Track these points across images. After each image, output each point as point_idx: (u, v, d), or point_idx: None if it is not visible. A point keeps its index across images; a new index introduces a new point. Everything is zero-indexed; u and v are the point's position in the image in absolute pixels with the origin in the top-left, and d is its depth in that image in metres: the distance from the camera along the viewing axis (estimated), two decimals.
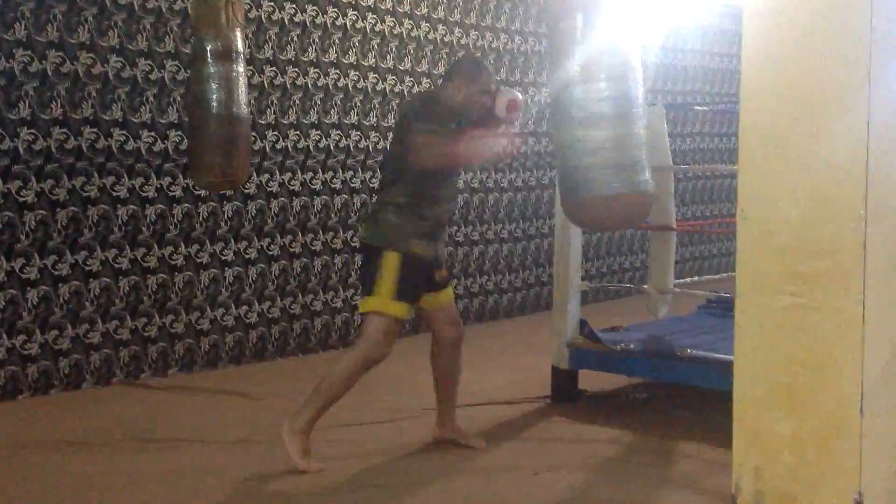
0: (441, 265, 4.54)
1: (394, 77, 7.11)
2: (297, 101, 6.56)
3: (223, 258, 6.23)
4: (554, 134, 4.13)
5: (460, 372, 4.68)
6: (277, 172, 6.48)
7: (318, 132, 6.69)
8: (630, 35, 3.97)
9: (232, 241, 6.26)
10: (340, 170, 6.83)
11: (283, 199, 6.51)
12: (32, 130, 5.38)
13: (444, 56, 7.45)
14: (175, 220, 5.98)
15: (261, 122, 6.35)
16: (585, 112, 3.83)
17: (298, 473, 4.25)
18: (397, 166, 4.37)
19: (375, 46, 6.99)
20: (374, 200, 4.74)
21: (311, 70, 6.63)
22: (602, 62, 3.84)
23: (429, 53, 7.34)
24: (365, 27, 6.92)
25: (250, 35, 6.20)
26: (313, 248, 6.68)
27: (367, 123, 6.98)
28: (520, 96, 4.44)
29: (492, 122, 4.42)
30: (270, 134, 6.44)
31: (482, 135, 4.38)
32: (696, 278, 8.25)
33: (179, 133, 5.93)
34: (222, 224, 6.21)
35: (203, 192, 6.03)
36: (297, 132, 6.58)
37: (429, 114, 4.27)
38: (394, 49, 7.11)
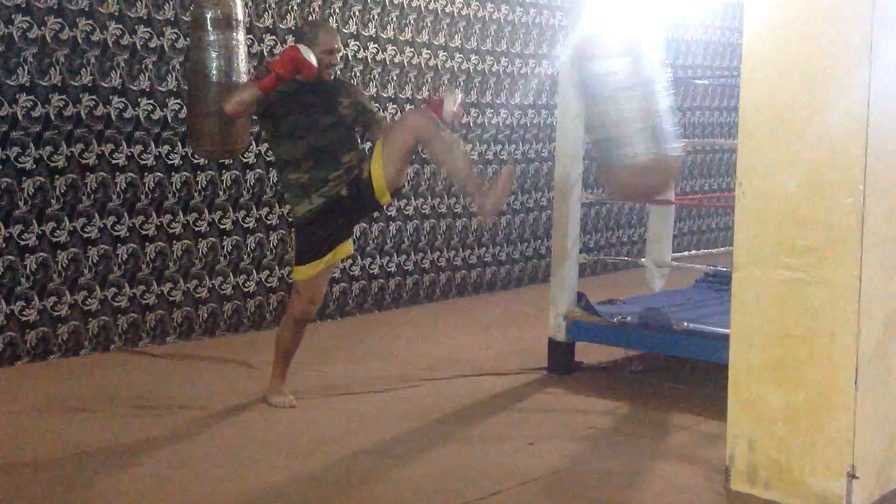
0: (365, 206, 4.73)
1: (394, 48, 7.09)
2: None
3: (221, 227, 6.23)
4: (585, 109, 4.24)
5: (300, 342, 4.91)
6: None
7: None
8: (645, 11, 4.07)
9: (230, 209, 6.26)
10: None
11: None
12: (31, 97, 5.37)
13: (443, 23, 7.42)
14: (174, 189, 5.98)
15: None
16: (608, 86, 3.91)
17: (292, 440, 4.28)
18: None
19: (376, 16, 6.95)
20: None
21: None
22: (622, 38, 3.94)
23: (429, 24, 7.31)
24: None
25: (250, 3, 6.17)
26: None
27: (368, 94, 6.95)
28: (459, 108, 4.72)
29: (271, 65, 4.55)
30: None
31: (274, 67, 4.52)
32: (694, 252, 8.26)
33: (178, 101, 5.92)
34: (221, 193, 6.21)
35: (202, 161, 6.02)
36: None
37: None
38: (394, 19, 7.08)
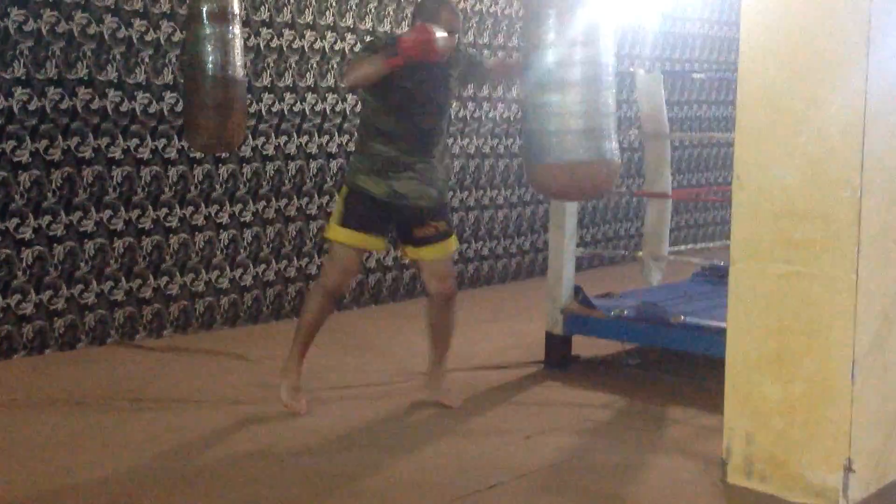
0: (426, 217, 4.53)
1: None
2: (294, 64, 6.52)
3: (218, 220, 6.22)
4: (523, 96, 4.10)
5: (448, 330, 4.70)
6: (273, 135, 6.46)
7: (315, 95, 6.67)
8: (606, 1, 3.93)
9: (227, 203, 6.25)
10: (336, 133, 6.81)
11: (278, 162, 6.49)
12: (27, 90, 5.36)
13: None
14: (170, 182, 5.97)
15: (256, 84, 6.32)
16: (555, 76, 3.80)
17: (289, 434, 4.28)
18: (360, 114, 4.63)
19: (373, 10, 6.94)
20: None
21: (308, 33, 6.59)
22: (576, 26, 3.80)
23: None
24: None
25: None
26: (308, 211, 6.67)
27: None
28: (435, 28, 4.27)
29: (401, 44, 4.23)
30: (266, 97, 6.41)
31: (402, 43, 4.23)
32: (691, 245, 8.26)
33: (174, 95, 5.91)
34: (217, 186, 6.20)
35: (198, 155, 6.01)
36: (293, 95, 6.56)
37: (370, 47, 4.43)
38: (391, 12, 7.07)
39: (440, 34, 4.21)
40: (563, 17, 3.78)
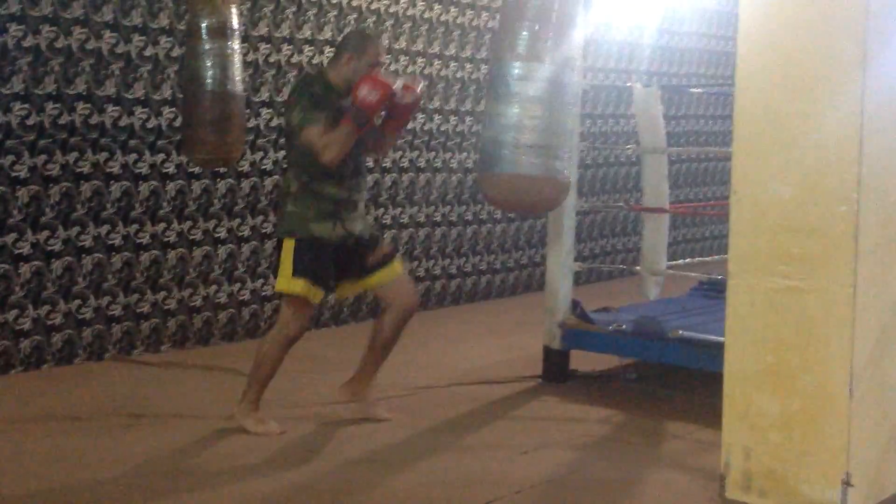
0: (371, 245, 4.57)
1: (387, 56, 7.09)
2: (292, 79, 6.53)
3: (216, 235, 6.22)
4: (485, 105, 4.14)
5: (394, 344, 4.68)
6: (271, 150, 6.47)
7: None
8: (578, 21, 3.97)
9: (225, 218, 6.26)
10: None
11: (276, 176, 6.50)
12: (26, 105, 5.36)
13: (440, 35, 7.43)
14: (168, 197, 5.98)
15: (255, 99, 6.34)
16: (518, 89, 3.84)
17: (286, 450, 4.27)
18: (287, 153, 4.59)
19: (371, 25, 6.96)
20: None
21: (307, 48, 6.61)
22: (546, 43, 3.84)
23: (424, 33, 7.32)
24: (360, 5, 6.89)
25: (245, 12, 6.17)
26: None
27: None
28: (388, 80, 4.37)
29: (365, 109, 4.28)
30: (265, 112, 6.42)
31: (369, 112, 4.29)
32: (688, 260, 8.27)
33: (173, 110, 5.92)
34: (215, 201, 6.21)
35: (196, 169, 6.02)
36: None
37: (312, 100, 4.34)
38: (389, 28, 7.09)
39: (386, 78, 4.30)
40: (535, 31, 3.82)
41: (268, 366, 4.49)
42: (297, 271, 4.39)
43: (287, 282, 4.42)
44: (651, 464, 4.26)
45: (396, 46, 7.14)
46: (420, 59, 7.30)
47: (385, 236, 4.78)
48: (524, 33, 3.87)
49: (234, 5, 5.19)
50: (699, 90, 9.60)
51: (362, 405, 4.71)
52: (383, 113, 4.47)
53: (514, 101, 3.84)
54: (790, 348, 3.54)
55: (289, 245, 4.43)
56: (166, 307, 6.00)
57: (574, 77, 3.92)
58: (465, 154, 7.68)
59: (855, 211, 3.39)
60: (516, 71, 3.84)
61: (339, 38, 4.66)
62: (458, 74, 7.59)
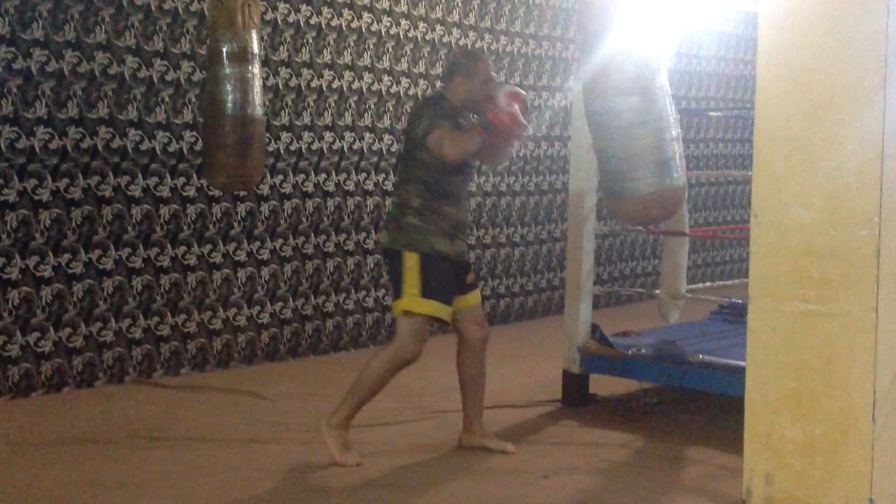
0: (469, 267, 4.62)
1: (408, 80, 7.13)
2: (312, 103, 6.58)
3: (236, 258, 6.25)
4: (593, 141, 4.30)
5: (485, 374, 4.67)
6: (291, 174, 6.50)
7: (332, 134, 6.71)
8: (658, 45, 4.13)
9: (245, 241, 6.28)
10: (354, 172, 6.85)
11: (296, 200, 6.53)
12: (49, 129, 5.42)
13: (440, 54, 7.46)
14: (189, 220, 6.01)
15: (275, 123, 6.37)
16: (620, 121, 4.02)
17: (306, 473, 4.26)
18: (407, 169, 4.46)
19: (390, 49, 7.00)
20: (390, 205, 4.74)
21: (326, 72, 6.65)
22: (633, 75, 4.03)
23: (443, 57, 7.35)
24: (380, 30, 6.94)
25: (266, 37, 6.22)
26: (326, 249, 6.70)
27: (381, 126, 7.00)
28: (521, 91, 4.47)
29: (497, 124, 4.33)
30: (285, 135, 6.46)
31: (493, 123, 4.30)
32: (708, 284, 8.23)
33: (194, 133, 5.96)
34: (235, 224, 6.24)
35: (217, 193, 6.05)
36: (311, 134, 6.60)
37: (439, 112, 4.35)
38: (408, 52, 7.13)
39: (518, 111, 4.32)
40: (622, 65, 4.06)
41: (373, 386, 4.37)
42: (428, 290, 4.30)
43: (415, 301, 4.31)
44: (672, 489, 4.23)
45: (416, 70, 7.17)
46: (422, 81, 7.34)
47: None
48: (613, 67, 4.06)
49: (254, 30, 5.23)
50: (718, 113, 9.59)
51: (486, 441, 4.67)
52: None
53: (620, 133, 4.04)
54: (812, 373, 3.51)
55: (412, 260, 4.33)
56: (186, 330, 6.02)
57: (668, 95, 4.15)
58: (483, 178, 7.69)
59: (876, 235, 3.37)
60: (616, 105, 4.03)
61: (447, 63, 4.75)
62: None
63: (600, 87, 4.07)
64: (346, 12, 6.73)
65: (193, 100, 5.97)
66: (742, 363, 3.83)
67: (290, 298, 6.52)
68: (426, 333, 4.38)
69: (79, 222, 5.53)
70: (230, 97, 5.13)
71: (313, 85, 6.58)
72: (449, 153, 4.25)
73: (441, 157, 4.27)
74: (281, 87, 6.41)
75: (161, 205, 5.88)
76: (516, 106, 4.33)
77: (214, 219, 6.13)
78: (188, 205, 6.00)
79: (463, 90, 4.43)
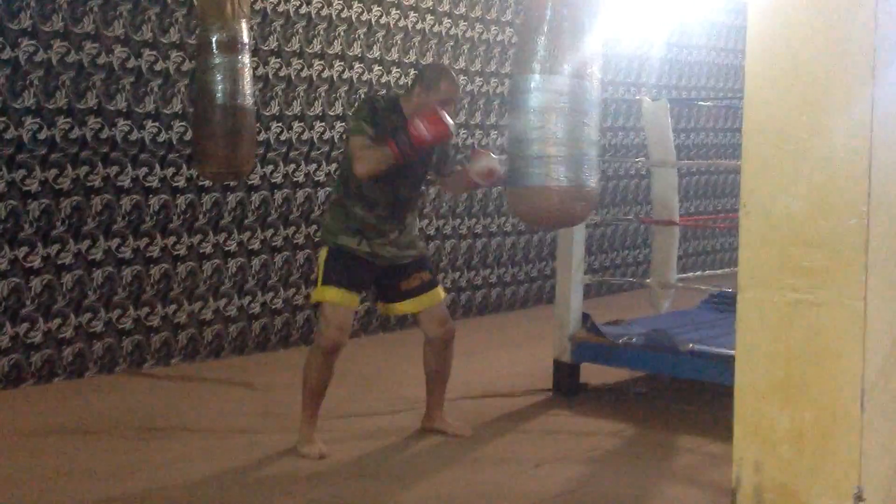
0: (408, 273, 4.55)
1: (398, 69, 7.12)
2: (302, 93, 6.56)
3: (226, 248, 6.24)
4: (509, 120, 4.12)
5: (447, 369, 4.72)
6: (281, 164, 6.49)
7: (323, 124, 6.70)
8: (597, 32, 3.97)
9: (235, 231, 6.28)
10: None
11: (286, 190, 6.52)
12: (37, 119, 5.40)
13: (449, 49, 7.45)
14: (178, 211, 6.00)
15: (265, 113, 6.36)
16: (543, 103, 3.84)
17: (297, 463, 4.27)
18: (340, 165, 4.47)
19: (380, 39, 6.99)
20: None
21: (316, 62, 6.63)
22: (566, 55, 3.84)
23: (433, 46, 7.34)
24: (370, 19, 6.92)
25: (255, 26, 6.20)
26: (316, 238, 6.69)
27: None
28: (497, 167, 4.30)
29: (414, 136, 4.21)
30: (275, 125, 6.45)
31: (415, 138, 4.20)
32: (698, 273, 8.25)
33: (183, 123, 5.94)
34: (225, 214, 6.23)
35: (207, 183, 6.04)
36: (302, 123, 6.59)
37: (370, 116, 4.31)
38: (398, 42, 7.11)
39: (447, 119, 4.21)
40: (555, 44, 3.82)
41: (311, 380, 4.43)
42: (327, 279, 4.40)
43: (316, 291, 4.45)
44: (662, 478, 4.24)
45: (407, 60, 7.16)
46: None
47: (433, 268, 4.76)
48: (539, 46, 3.87)
49: (244, 20, 5.22)
50: (708, 103, 9.60)
51: (443, 426, 4.76)
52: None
53: (541, 114, 3.84)
54: (801, 362, 3.52)
55: (322, 254, 4.49)
56: (176, 320, 6.01)
57: (598, 87, 3.92)
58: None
59: (865, 224, 3.38)
60: (543, 85, 3.85)
61: (418, 70, 4.65)
62: (483, 89, 7.61)
63: (527, 65, 3.89)
64: (335, 2, 6.71)
65: (183, 90, 5.95)
66: (732, 352, 3.85)
67: (281, 288, 6.52)
68: (340, 320, 4.37)
69: (68, 213, 5.52)
70: (220, 87, 5.13)
71: (303, 75, 6.57)
72: (357, 168, 4.26)
73: (359, 174, 4.27)
74: (270, 76, 6.39)
75: (150, 195, 5.86)
76: (443, 119, 4.18)
77: (204, 209, 6.12)
78: (178, 195, 5.99)
79: (417, 102, 4.34)
